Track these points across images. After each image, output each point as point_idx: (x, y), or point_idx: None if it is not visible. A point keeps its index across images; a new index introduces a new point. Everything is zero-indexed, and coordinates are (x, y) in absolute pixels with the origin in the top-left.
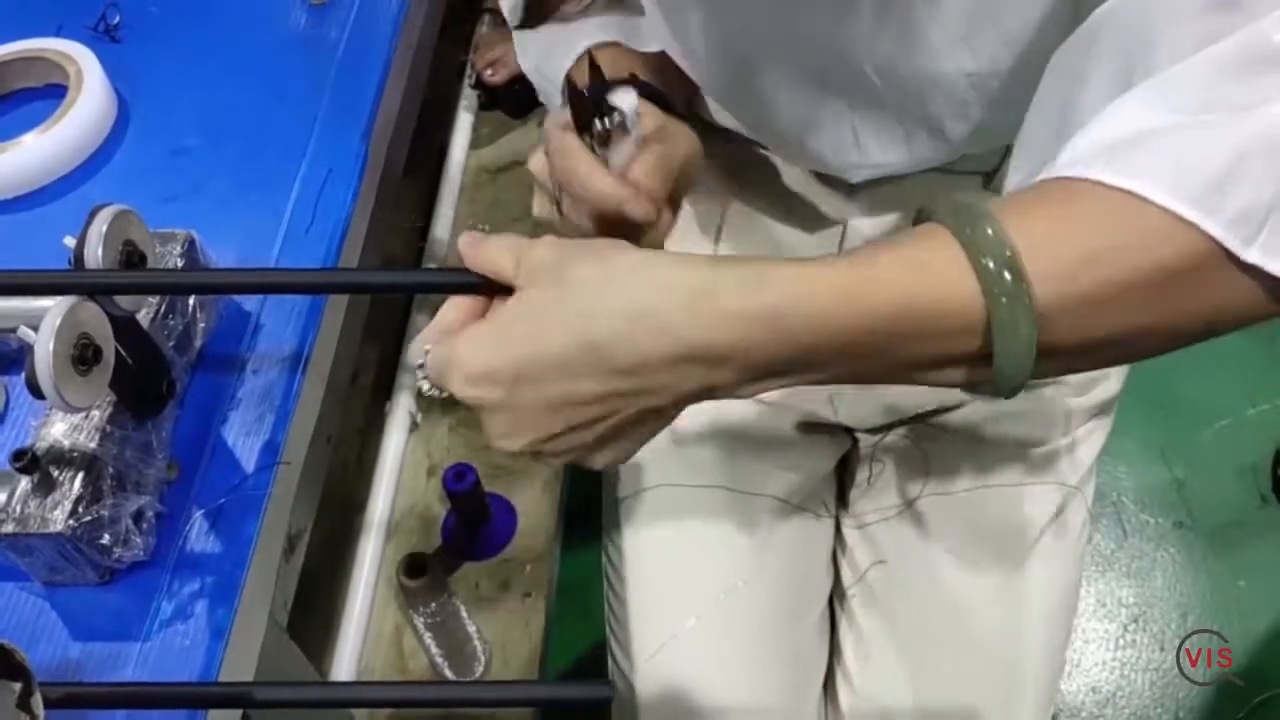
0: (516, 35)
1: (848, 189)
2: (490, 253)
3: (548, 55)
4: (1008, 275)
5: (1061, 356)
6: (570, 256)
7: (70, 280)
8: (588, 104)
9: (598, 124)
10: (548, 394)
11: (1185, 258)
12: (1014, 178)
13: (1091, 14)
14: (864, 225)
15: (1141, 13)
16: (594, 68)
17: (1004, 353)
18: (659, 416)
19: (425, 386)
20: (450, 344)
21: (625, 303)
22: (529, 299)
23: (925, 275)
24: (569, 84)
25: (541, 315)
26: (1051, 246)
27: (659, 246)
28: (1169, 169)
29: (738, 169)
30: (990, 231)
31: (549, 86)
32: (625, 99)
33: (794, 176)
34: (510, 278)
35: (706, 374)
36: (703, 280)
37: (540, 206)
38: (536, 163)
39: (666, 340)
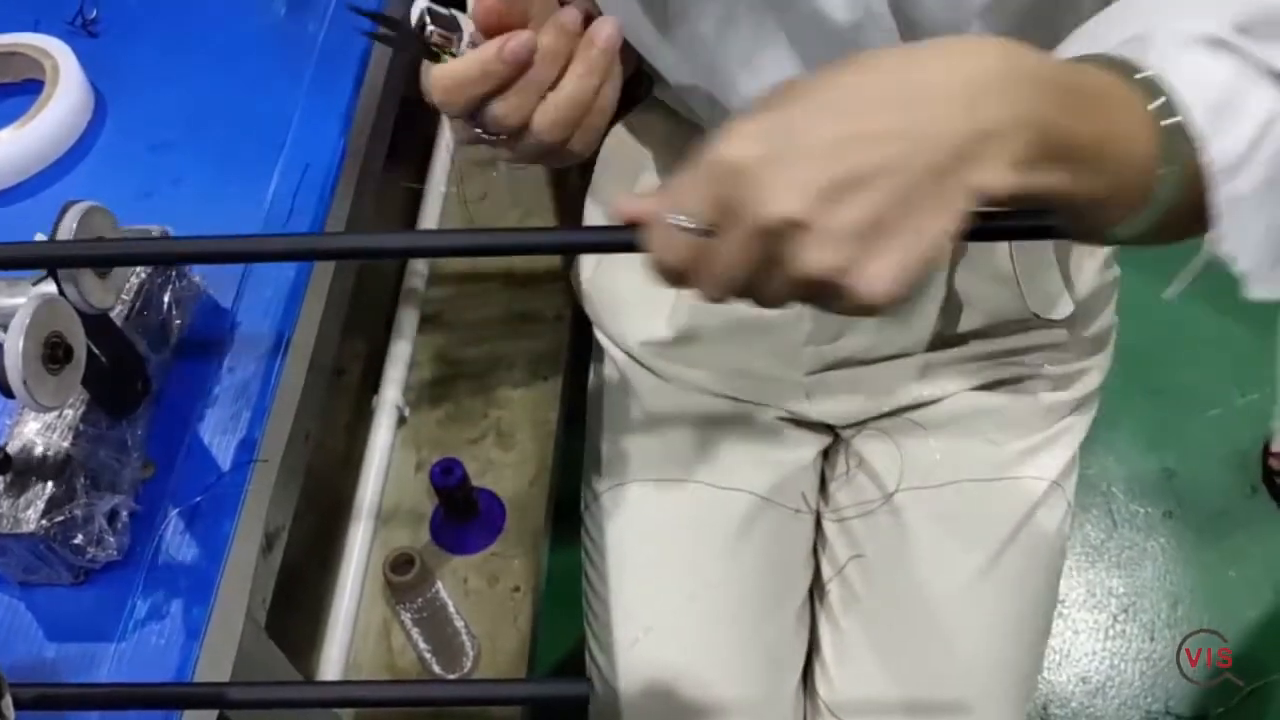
0: None
1: None
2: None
3: None
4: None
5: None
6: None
7: (30, 254)
8: (402, 36)
9: (420, 43)
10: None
11: None
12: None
13: None
14: None
15: None
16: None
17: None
18: (932, 208)
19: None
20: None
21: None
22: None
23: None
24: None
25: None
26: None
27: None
28: None
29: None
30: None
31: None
32: (415, 6)
33: None
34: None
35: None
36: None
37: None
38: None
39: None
